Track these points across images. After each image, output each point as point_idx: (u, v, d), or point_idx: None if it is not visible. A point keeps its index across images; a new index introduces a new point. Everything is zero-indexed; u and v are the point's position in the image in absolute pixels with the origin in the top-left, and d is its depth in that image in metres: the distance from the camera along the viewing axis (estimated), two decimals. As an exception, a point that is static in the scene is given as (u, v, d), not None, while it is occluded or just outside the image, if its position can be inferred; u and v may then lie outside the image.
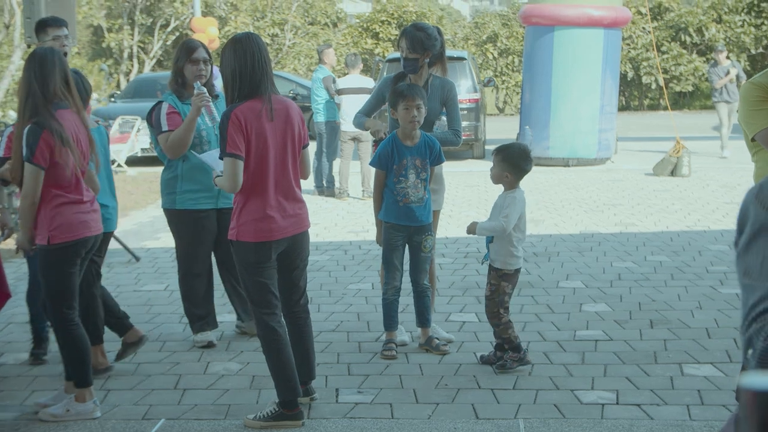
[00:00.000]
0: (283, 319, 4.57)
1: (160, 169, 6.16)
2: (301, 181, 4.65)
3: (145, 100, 18.33)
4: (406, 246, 5.61)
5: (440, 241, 8.26)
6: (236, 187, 4.36)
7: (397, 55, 18.31)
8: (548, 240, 9.08)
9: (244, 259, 4.45)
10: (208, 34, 18.68)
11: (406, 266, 5.67)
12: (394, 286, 5.63)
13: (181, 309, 6.63)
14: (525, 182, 5.41)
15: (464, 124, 15.89)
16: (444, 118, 5.82)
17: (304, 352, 4.73)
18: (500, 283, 5.31)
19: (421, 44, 5.60)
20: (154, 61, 32.38)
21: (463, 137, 15.74)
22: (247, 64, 4.36)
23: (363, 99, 9.81)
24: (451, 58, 16.14)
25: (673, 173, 13.89)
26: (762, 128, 4.02)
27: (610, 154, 15.84)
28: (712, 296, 6.84)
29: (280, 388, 4.50)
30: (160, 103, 5.68)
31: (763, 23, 30.21)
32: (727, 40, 29.95)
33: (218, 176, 4.56)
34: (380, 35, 31.26)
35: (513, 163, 5.23)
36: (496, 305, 5.31)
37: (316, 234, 9.46)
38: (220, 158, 4.43)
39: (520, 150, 5.29)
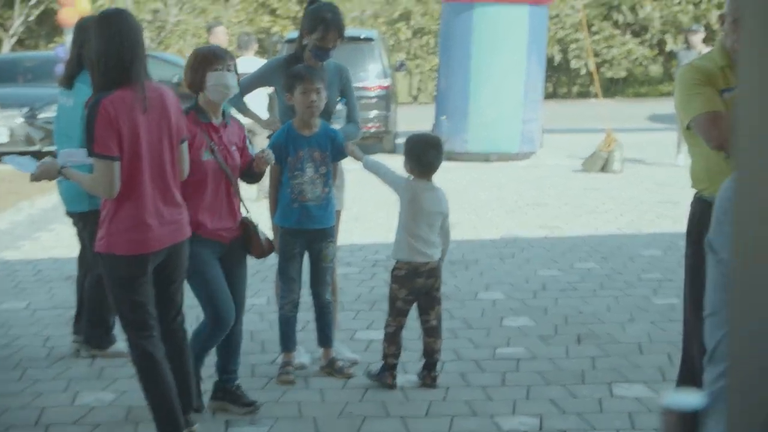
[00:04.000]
0: (161, 343, 4.51)
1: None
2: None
3: (3, 86, 17.86)
4: (305, 255, 5.61)
5: (344, 248, 8.26)
6: (113, 192, 4.29)
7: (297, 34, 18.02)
8: (465, 246, 9.14)
9: (116, 275, 4.38)
10: (79, 9, 18.28)
11: (306, 277, 5.67)
12: (292, 300, 5.62)
13: (45, 331, 6.52)
14: (439, 179, 5.46)
15: (373, 113, 15.95)
16: (340, 106, 5.83)
17: (183, 376, 4.67)
18: (390, 284, 5.43)
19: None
20: (14, 39, 31.61)
21: (373, 129, 15.90)
22: (114, 45, 4.28)
23: (257, 86, 9.72)
24: (358, 39, 16.19)
25: (603, 169, 14.14)
26: (697, 113, 4.04)
27: (535, 148, 16.06)
28: (645, 307, 6.99)
29: (160, 422, 4.45)
30: None
31: (701, 1, 31.07)
32: (663, 18, 30.74)
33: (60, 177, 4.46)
34: (278, 12, 31.14)
35: (410, 152, 5.33)
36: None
37: (203, 240, 9.35)
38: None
39: (417, 138, 5.41)
